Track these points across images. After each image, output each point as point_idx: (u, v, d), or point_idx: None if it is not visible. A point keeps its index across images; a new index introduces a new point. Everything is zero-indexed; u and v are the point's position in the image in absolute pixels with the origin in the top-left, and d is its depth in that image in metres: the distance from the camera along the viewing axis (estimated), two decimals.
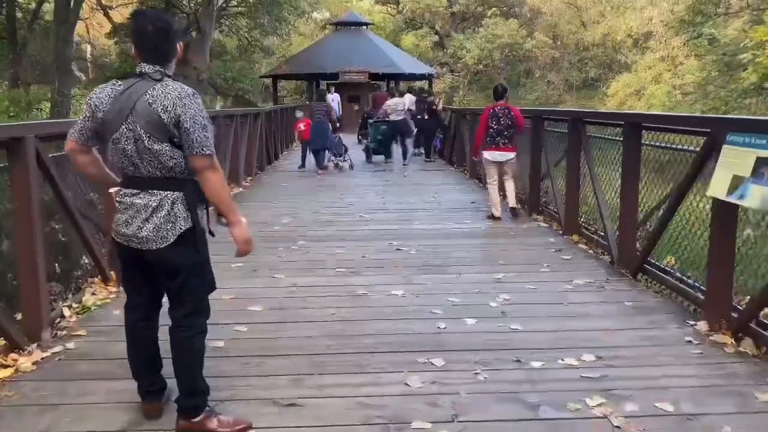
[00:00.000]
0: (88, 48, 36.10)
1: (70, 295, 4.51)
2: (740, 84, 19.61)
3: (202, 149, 2.49)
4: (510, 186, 7.45)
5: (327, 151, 12.36)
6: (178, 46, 2.64)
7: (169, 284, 2.67)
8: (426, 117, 14.74)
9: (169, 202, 2.56)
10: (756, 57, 16.16)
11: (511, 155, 7.33)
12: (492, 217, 7.34)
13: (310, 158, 12.60)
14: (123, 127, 2.51)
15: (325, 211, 8.06)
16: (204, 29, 21.99)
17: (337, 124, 13.25)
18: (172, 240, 2.56)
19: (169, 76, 2.60)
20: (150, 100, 2.48)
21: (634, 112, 15.33)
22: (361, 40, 26.82)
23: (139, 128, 2.49)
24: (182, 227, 2.56)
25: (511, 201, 7.44)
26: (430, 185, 10.53)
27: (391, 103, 13.36)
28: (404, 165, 13.14)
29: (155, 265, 2.65)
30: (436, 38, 43.20)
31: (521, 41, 40.03)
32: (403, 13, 44.09)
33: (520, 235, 6.63)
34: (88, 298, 4.44)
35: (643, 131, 5.13)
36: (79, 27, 35.19)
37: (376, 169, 12.92)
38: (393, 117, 13.09)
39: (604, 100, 43.31)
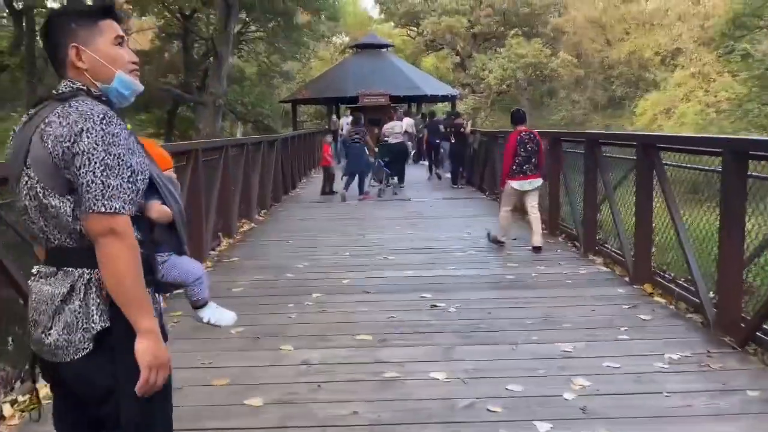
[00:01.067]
0: None
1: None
2: None
3: (97, 204, 1.51)
4: (537, 219, 6.88)
5: (366, 176, 11.94)
6: (69, 41, 1.64)
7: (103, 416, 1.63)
8: (453, 140, 13.85)
9: (82, 286, 1.58)
10: None
11: (539, 182, 6.99)
12: (496, 241, 7.01)
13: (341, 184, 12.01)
14: (23, 174, 1.60)
15: (345, 251, 7.02)
16: (221, 54, 21.31)
17: (375, 149, 12.73)
18: (88, 347, 1.58)
19: (90, 93, 1.64)
20: (42, 133, 1.55)
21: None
22: (382, 63, 26.00)
23: (33, 175, 1.57)
24: (96, 326, 1.57)
25: (537, 238, 6.78)
26: (461, 217, 9.44)
27: (388, 126, 13.37)
28: (398, 187, 12.65)
29: (74, 387, 1.64)
30: (457, 59, 42.44)
31: (545, 60, 38.99)
32: (423, 35, 43.41)
33: (580, 284, 5.49)
34: None
35: (750, 159, 4.00)
36: None
37: (398, 198, 11.91)
38: (390, 140, 12.93)
39: (632, 119, 42.06)
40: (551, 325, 4.37)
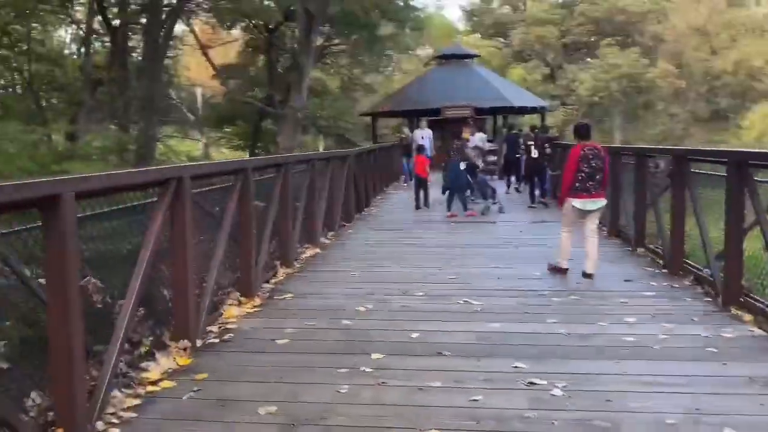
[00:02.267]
0: (199, 90, 36.52)
1: None
2: None
3: None
4: (594, 244, 6.26)
5: (462, 193, 11.29)
6: None
7: None
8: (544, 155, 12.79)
9: None
10: None
11: (603, 202, 6.43)
12: (557, 269, 6.40)
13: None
14: None
15: (418, 289, 5.83)
16: (301, 66, 20.77)
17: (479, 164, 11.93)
18: None
19: None
20: None
21: None
22: (466, 74, 24.75)
23: None
24: None
25: (591, 264, 6.16)
26: (555, 247, 8.03)
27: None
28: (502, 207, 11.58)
29: None
30: (546, 70, 40.50)
31: (642, 71, 36.44)
32: (511, 45, 41.83)
33: (730, 354, 4.02)
34: None
35: None
36: (191, 68, 35.97)
37: (479, 220, 10.63)
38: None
39: (738, 133, 38.61)
40: (706, 428, 3.00)
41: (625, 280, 6.00)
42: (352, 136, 31.32)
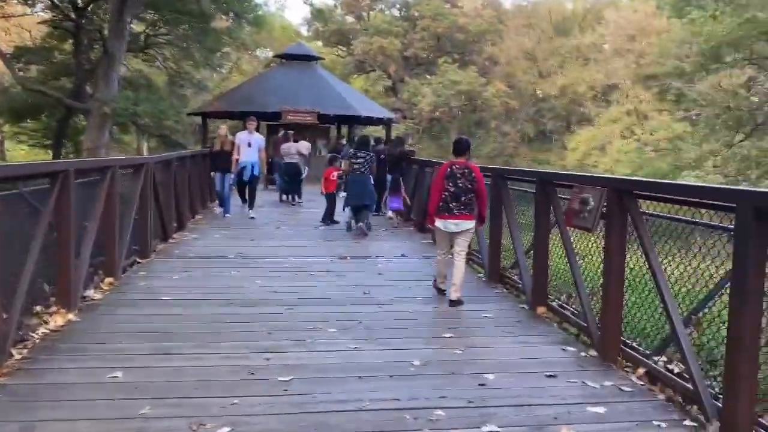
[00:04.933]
0: None
1: None
2: None
3: None
4: (459, 268, 5.75)
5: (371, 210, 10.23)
6: None
7: None
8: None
9: None
10: None
11: (468, 224, 5.82)
12: (436, 288, 6.03)
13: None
14: None
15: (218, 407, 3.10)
16: (112, 53, 16.83)
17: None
18: None
19: None
20: None
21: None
22: (311, 77, 22.16)
23: None
24: None
25: (455, 290, 5.67)
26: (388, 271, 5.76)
27: (284, 147, 14.08)
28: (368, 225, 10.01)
29: None
30: (388, 83, 39.26)
31: (479, 89, 36.47)
32: (354, 55, 40.09)
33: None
34: None
35: None
36: None
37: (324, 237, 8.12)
38: (286, 160, 13.78)
39: (562, 153, 40.11)
40: None
41: (548, 375, 3.83)
42: (180, 138, 27.33)
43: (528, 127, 41.90)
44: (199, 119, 24.45)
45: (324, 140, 21.90)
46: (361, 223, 9.74)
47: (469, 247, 7.56)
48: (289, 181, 13.90)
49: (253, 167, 10.95)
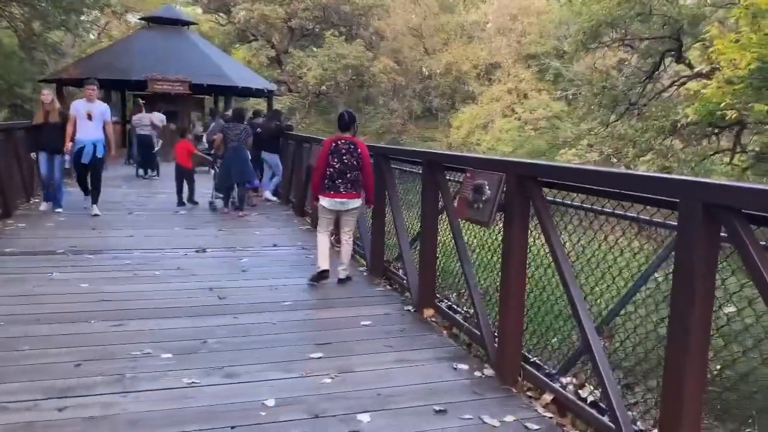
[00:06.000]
0: None
1: None
2: (651, 123, 16.24)
3: None
4: (347, 248, 5.58)
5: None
6: None
7: None
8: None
9: None
10: (703, 88, 12.50)
11: (355, 203, 5.46)
12: (319, 272, 5.36)
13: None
14: None
15: None
16: None
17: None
18: None
19: None
20: None
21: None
22: (181, 43, 20.13)
23: None
24: None
25: (344, 268, 5.50)
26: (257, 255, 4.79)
27: (136, 118, 13.64)
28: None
29: None
30: (272, 53, 37.25)
31: (367, 64, 35.50)
32: (235, 23, 37.65)
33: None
34: None
35: None
36: None
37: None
38: (138, 131, 13.28)
39: (447, 131, 40.29)
40: None
41: (437, 411, 2.97)
42: (34, 107, 24.20)
43: (415, 104, 41.61)
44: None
45: (198, 112, 20.08)
46: (240, 211, 8.86)
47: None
48: (143, 154, 13.35)
49: (95, 147, 8.17)
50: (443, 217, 4.69)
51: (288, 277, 5.61)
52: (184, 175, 9.63)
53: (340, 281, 5.45)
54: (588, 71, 26.91)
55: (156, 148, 13.67)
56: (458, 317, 4.38)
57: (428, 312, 4.60)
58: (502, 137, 33.06)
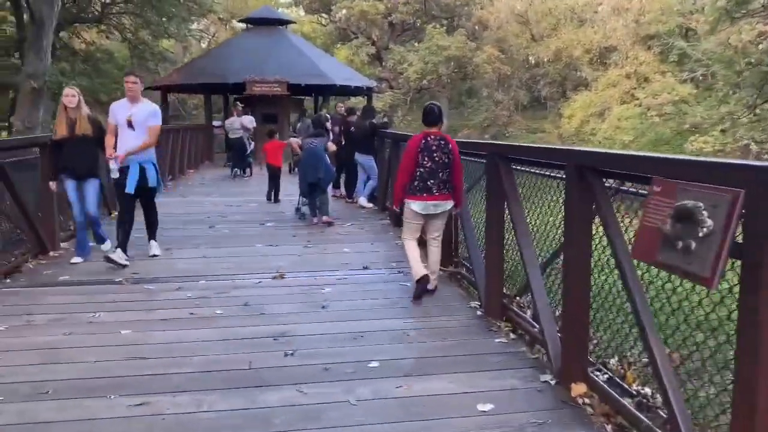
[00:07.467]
0: None
1: None
2: None
3: None
4: (436, 253, 4.97)
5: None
6: None
7: None
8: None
9: None
10: None
11: (448, 205, 4.89)
12: (417, 284, 4.72)
13: None
14: None
15: None
16: (40, 17, 14.22)
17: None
18: None
19: None
20: None
21: None
22: (279, 43, 19.52)
23: None
24: None
25: (433, 278, 4.89)
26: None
27: (228, 121, 13.90)
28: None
29: None
30: (372, 50, 36.39)
31: (470, 55, 33.70)
32: (335, 22, 37.20)
33: None
34: None
35: None
36: None
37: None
38: (230, 135, 13.60)
39: (557, 121, 37.57)
40: None
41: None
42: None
43: (521, 94, 39.24)
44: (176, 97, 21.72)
45: (297, 113, 19.38)
46: (325, 216, 7.98)
47: (455, 258, 5.51)
48: (236, 157, 13.77)
49: (143, 169, 5.75)
50: (598, 239, 3.15)
51: (376, 318, 4.29)
52: (274, 175, 9.85)
53: (428, 291, 4.85)
54: (720, 48, 23.57)
55: (249, 150, 13.91)
56: (628, 402, 2.82)
57: (578, 389, 3.07)
58: (621, 125, 30.03)
